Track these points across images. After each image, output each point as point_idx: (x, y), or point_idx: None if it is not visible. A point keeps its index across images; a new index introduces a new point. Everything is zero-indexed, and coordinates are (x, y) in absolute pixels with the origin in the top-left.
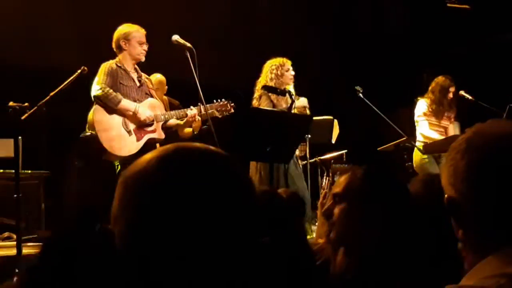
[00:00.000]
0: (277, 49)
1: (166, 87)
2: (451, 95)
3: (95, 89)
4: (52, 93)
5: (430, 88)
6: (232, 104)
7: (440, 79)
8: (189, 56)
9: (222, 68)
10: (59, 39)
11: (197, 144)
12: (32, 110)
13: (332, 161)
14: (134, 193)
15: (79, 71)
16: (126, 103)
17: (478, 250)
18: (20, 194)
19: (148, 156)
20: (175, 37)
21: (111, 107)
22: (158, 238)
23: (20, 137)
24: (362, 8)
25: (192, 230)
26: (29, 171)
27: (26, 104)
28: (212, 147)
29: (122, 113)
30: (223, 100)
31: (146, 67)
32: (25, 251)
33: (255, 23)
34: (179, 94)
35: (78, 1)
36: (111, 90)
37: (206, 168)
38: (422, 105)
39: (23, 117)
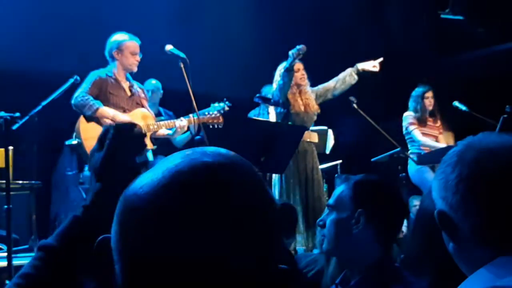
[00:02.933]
0: (271, 58)
1: (162, 91)
2: (427, 101)
3: (74, 97)
4: (44, 103)
5: (410, 100)
6: (226, 108)
7: (417, 88)
8: (182, 66)
9: (216, 77)
10: (52, 47)
11: (218, 154)
12: (23, 120)
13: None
14: (131, 223)
15: (71, 80)
16: (104, 110)
17: (469, 263)
18: (11, 206)
19: (156, 173)
20: (169, 47)
21: (89, 115)
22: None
23: (11, 147)
24: (356, 18)
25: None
26: (20, 182)
27: (18, 114)
28: (228, 156)
29: (101, 120)
30: (215, 112)
31: (140, 77)
32: (15, 262)
33: (250, 32)
34: (172, 104)
35: (72, 8)
36: (90, 98)
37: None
38: (407, 117)
39: (14, 127)
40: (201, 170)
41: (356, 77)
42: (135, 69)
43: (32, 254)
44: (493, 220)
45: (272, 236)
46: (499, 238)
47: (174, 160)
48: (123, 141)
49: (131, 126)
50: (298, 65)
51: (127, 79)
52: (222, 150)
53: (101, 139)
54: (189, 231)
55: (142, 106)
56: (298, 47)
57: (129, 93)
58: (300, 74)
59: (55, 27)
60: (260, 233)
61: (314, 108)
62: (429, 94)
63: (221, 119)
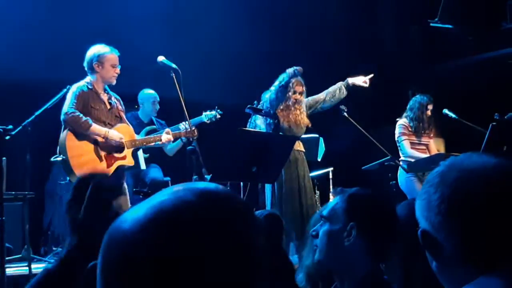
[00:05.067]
0: (263, 67)
1: (159, 99)
2: (429, 112)
3: (64, 113)
4: (37, 113)
5: (408, 106)
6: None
7: (418, 97)
8: (174, 77)
9: (208, 86)
10: (45, 57)
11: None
12: (16, 130)
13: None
14: (114, 262)
15: (64, 90)
16: (96, 128)
17: (451, 282)
18: (3, 218)
19: (140, 209)
20: (161, 58)
21: (81, 132)
22: None
23: (4, 158)
24: (346, 27)
25: None
26: (13, 192)
27: (10, 126)
28: (227, 196)
29: (92, 138)
30: (190, 127)
31: (133, 86)
32: (8, 271)
33: (241, 40)
34: (165, 112)
35: (64, 19)
36: (81, 115)
37: (215, 237)
38: (401, 125)
39: (7, 137)
40: (184, 209)
41: (345, 91)
42: (114, 82)
43: (25, 263)
44: (475, 240)
45: (256, 272)
46: (480, 258)
47: (160, 197)
48: (103, 198)
49: (109, 181)
50: (300, 88)
51: (105, 91)
52: (212, 187)
53: (78, 190)
54: (168, 268)
55: (121, 118)
56: (296, 67)
57: (108, 106)
58: (299, 95)
59: (47, 37)
60: (242, 272)
61: (305, 122)
62: (431, 106)
63: (195, 133)
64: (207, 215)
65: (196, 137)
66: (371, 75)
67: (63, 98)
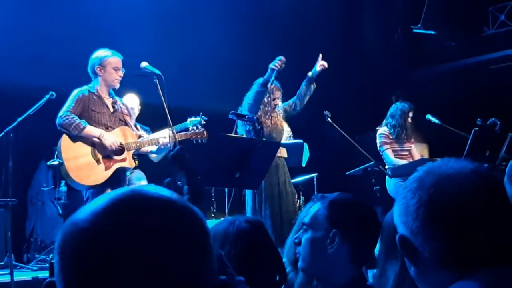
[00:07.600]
0: (246, 71)
1: (140, 107)
2: (410, 119)
3: (59, 117)
4: (19, 119)
5: (389, 113)
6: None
7: (399, 104)
8: (157, 82)
9: (192, 92)
10: (28, 63)
11: (155, 194)
12: None
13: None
14: (73, 254)
15: (47, 96)
16: (90, 129)
17: (430, 287)
18: None
19: (96, 206)
20: (144, 64)
21: (75, 135)
22: None
23: None
24: (330, 32)
25: None
26: None
27: None
28: (169, 195)
29: (89, 140)
30: (199, 127)
31: (115, 92)
32: None
33: (225, 46)
34: (148, 118)
35: (47, 24)
36: (75, 117)
37: (159, 229)
38: (381, 135)
39: None
40: (137, 198)
41: (311, 86)
42: (117, 85)
43: (7, 271)
44: (452, 245)
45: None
46: (458, 262)
47: (114, 192)
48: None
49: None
50: (277, 93)
51: (110, 95)
52: (164, 191)
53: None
54: (121, 252)
55: (125, 123)
56: (278, 58)
57: (111, 110)
58: (275, 102)
59: (30, 43)
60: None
61: (282, 125)
62: (411, 113)
63: (205, 134)
64: (157, 203)
65: (206, 138)
66: (320, 55)
67: (46, 105)
